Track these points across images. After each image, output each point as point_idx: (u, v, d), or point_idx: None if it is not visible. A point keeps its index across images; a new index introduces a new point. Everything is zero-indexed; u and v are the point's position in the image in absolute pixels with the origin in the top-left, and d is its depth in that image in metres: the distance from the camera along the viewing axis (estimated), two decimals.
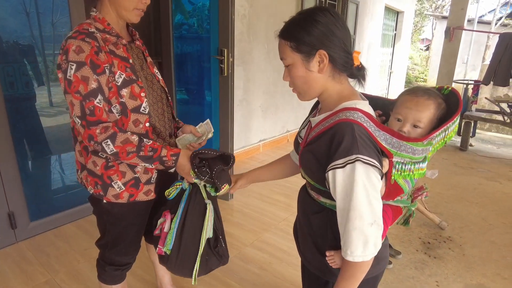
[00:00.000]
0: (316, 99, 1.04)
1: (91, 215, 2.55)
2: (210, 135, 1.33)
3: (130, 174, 1.19)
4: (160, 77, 1.34)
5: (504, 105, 5.03)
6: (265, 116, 4.25)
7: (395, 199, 0.98)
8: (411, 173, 0.86)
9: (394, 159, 0.84)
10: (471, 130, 5.36)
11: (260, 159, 3.93)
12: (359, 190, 0.79)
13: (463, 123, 5.40)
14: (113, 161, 1.17)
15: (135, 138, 1.09)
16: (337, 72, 0.91)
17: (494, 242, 2.76)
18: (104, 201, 1.20)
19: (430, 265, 2.42)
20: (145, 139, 1.12)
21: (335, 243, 0.93)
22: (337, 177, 0.81)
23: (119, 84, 1.11)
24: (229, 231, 2.39)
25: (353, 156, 0.78)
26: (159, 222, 1.21)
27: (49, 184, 2.55)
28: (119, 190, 1.19)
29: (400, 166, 0.85)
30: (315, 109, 1.06)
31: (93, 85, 1.05)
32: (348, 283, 0.87)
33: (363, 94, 0.99)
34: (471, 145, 5.60)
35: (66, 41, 1.05)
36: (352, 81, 0.97)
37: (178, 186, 1.22)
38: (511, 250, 2.65)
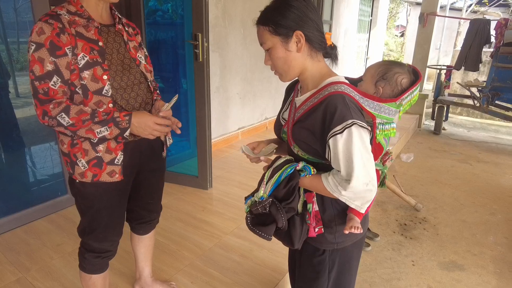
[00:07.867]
0: (287, 83, 1.13)
1: (64, 209, 2.48)
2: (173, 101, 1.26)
3: (92, 153, 1.20)
4: (143, 62, 1.34)
5: (474, 90, 5.20)
6: (243, 103, 4.20)
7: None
8: (388, 132, 1.00)
9: (377, 121, 0.97)
10: (444, 114, 5.53)
11: (239, 147, 3.90)
12: (356, 153, 0.87)
13: (436, 107, 5.55)
14: (77, 139, 1.19)
15: (88, 109, 1.13)
16: (314, 51, 0.99)
17: (465, 221, 2.88)
18: (76, 180, 1.23)
19: (406, 246, 2.50)
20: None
21: (337, 208, 1.03)
22: (338, 144, 0.88)
23: (80, 66, 1.13)
24: (208, 220, 2.37)
25: (350, 121, 0.87)
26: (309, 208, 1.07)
27: (18, 178, 2.42)
28: (83, 168, 1.21)
29: (381, 127, 0.99)
30: (292, 91, 1.12)
31: (48, 67, 1.08)
32: (311, 188, 1.01)
33: None
34: (444, 129, 5.79)
35: (35, 24, 1.10)
36: (326, 62, 1.05)
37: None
38: (480, 228, 2.78)
